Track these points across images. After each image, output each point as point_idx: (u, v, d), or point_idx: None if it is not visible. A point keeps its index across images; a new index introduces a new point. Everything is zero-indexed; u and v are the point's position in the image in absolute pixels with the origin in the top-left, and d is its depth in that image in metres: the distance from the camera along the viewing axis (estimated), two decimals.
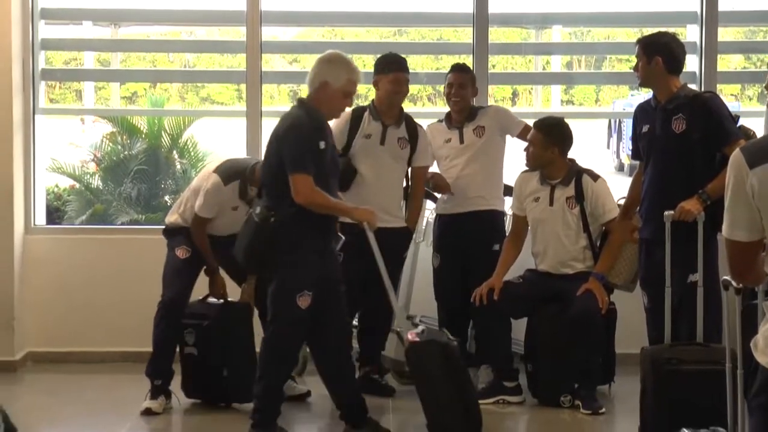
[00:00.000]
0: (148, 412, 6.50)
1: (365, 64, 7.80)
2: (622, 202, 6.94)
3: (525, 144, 7.02)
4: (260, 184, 6.17)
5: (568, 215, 6.82)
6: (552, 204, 6.84)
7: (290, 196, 5.75)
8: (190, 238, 6.62)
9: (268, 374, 5.96)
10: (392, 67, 6.92)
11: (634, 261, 6.72)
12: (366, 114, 6.95)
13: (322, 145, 5.82)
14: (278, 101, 13.48)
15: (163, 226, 6.84)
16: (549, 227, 6.86)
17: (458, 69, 7.21)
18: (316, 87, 5.89)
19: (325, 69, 5.91)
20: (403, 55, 7.10)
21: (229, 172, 6.58)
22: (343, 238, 6.14)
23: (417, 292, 7.25)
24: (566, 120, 7.07)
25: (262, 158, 6.17)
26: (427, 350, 5.99)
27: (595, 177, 6.89)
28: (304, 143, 5.78)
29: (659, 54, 6.31)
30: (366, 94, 8.64)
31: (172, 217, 6.77)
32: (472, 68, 7.52)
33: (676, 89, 6.35)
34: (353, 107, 6.67)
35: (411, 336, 6.04)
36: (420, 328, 6.14)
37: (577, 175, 6.86)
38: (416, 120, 7.09)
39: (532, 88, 13.80)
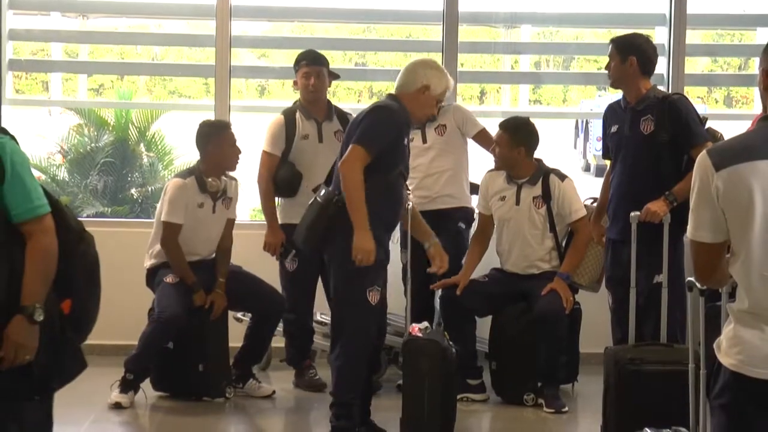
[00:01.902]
0: (117, 406, 6.48)
1: (333, 60, 7.75)
2: (588, 202, 6.97)
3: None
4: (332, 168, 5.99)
5: (534, 215, 6.83)
6: (518, 203, 6.85)
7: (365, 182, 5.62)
8: (171, 270, 6.66)
9: (346, 381, 5.82)
10: (301, 63, 6.90)
11: (600, 261, 6.76)
12: (298, 115, 6.93)
13: (406, 140, 5.78)
14: (246, 96, 13.43)
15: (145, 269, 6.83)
16: (515, 227, 6.86)
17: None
18: (417, 88, 5.77)
19: (429, 73, 5.80)
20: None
21: (183, 171, 6.99)
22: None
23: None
24: (534, 119, 7.08)
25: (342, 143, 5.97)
26: (426, 348, 5.92)
27: (562, 177, 6.89)
28: (388, 128, 5.67)
29: (634, 54, 6.33)
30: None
31: (147, 262, 6.80)
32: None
33: (646, 90, 6.38)
34: (283, 111, 6.88)
35: (414, 330, 6.03)
36: (424, 324, 6.10)
37: (544, 174, 6.86)
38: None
39: (500, 87, 13.81)
